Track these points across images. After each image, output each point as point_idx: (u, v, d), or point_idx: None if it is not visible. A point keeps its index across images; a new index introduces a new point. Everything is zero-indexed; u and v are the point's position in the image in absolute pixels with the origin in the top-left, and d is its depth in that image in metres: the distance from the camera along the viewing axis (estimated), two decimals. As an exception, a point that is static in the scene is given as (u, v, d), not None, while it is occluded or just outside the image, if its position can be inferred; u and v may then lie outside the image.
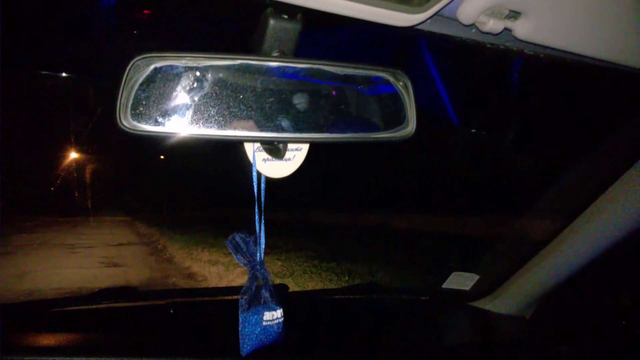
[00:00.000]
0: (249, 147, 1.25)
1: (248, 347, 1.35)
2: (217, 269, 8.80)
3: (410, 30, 1.04)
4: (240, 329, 1.34)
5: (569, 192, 2.29)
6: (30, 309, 2.13)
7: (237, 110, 1.05)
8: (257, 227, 1.32)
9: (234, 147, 1.27)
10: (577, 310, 2.56)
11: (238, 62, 1.05)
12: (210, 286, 7.72)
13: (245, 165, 1.29)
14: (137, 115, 1.00)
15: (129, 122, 1.00)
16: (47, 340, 1.72)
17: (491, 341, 2.27)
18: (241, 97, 1.06)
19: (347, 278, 8.33)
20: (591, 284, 2.51)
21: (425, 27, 1.09)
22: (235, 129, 1.06)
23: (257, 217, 1.31)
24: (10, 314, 1.91)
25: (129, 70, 0.98)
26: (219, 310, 2.17)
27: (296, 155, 1.28)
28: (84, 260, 9.95)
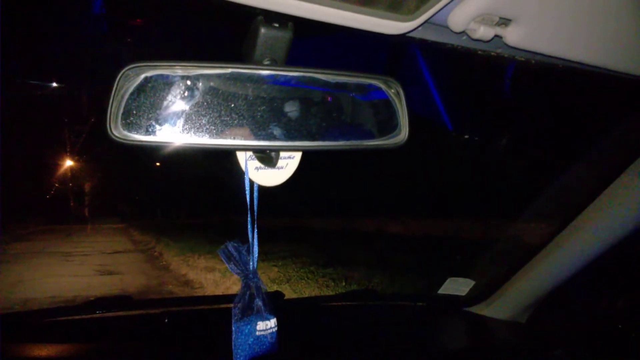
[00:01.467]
0: (241, 156, 1.25)
1: (241, 358, 1.34)
2: (213, 276, 8.77)
3: (402, 38, 1.05)
4: (233, 339, 1.33)
5: (562, 197, 2.30)
6: (24, 319, 2.11)
7: (228, 119, 1.05)
8: (250, 236, 1.32)
9: (228, 156, 1.27)
10: (573, 315, 2.56)
11: (229, 70, 1.04)
12: (207, 294, 7.69)
13: (239, 173, 1.28)
14: (127, 125, 0.99)
15: (119, 132, 0.99)
16: (42, 351, 1.70)
17: (487, 346, 2.27)
18: (233, 105, 1.05)
19: (343, 284, 8.32)
20: (586, 288, 2.51)
21: (416, 35, 1.09)
22: (227, 137, 1.06)
23: (249, 226, 1.31)
24: (4, 324, 1.90)
25: (119, 79, 0.97)
26: (213, 319, 2.16)
27: (289, 164, 1.28)
28: (79, 268, 9.90)
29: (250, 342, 1.33)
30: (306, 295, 6.93)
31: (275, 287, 7.46)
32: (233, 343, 1.33)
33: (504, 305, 2.35)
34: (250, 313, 1.34)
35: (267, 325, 1.35)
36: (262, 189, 1.32)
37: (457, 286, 2.51)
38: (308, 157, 1.29)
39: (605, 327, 2.58)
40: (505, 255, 2.61)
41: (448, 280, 2.53)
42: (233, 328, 1.32)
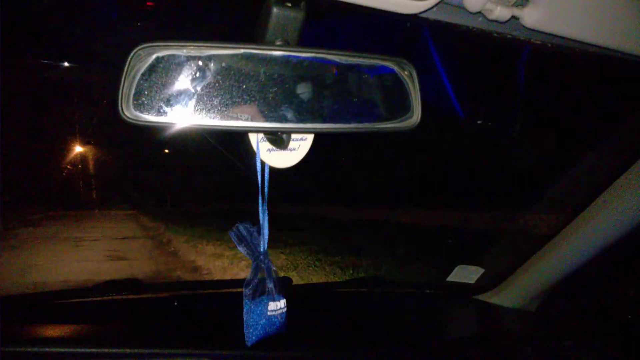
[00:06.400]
0: (253, 137, 1.24)
1: (253, 338, 1.35)
2: (221, 262, 8.81)
3: (416, 18, 1.03)
4: (245, 319, 1.33)
5: (574, 186, 2.27)
6: (35, 301, 2.14)
7: (240, 100, 1.04)
8: (261, 217, 1.31)
9: (240, 138, 1.26)
10: (582, 304, 2.55)
11: (241, 51, 1.04)
12: (215, 279, 7.74)
13: (250, 157, 1.28)
14: (139, 106, 0.99)
15: (130, 113, 0.99)
16: (52, 331, 1.72)
17: (496, 335, 2.27)
18: (244, 86, 1.04)
19: (351, 272, 8.33)
20: (596, 278, 2.49)
21: (431, 15, 1.07)
22: (238, 119, 1.05)
23: (260, 207, 1.30)
24: (15, 306, 1.92)
25: (131, 59, 0.96)
26: (222, 302, 2.18)
27: (301, 145, 1.27)
28: (89, 254, 9.98)
29: (262, 323, 1.34)
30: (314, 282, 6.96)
31: (282, 274, 7.46)
32: (245, 323, 1.33)
33: (514, 294, 2.35)
34: (261, 294, 1.35)
35: (277, 306, 1.36)
36: (272, 175, 1.31)
37: (466, 274, 2.50)
38: (318, 142, 1.28)
39: (615, 317, 2.57)
40: (515, 244, 2.60)
41: (457, 268, 2.52)
42: (245, 309, 1.33)
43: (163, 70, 0.99)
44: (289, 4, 1.02)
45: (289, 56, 1.07)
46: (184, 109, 1.02)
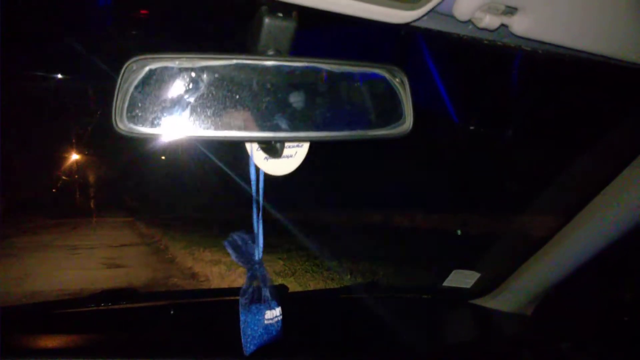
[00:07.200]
0: (248, 146, 1.25)
1: (251, 347, 1.35)
2: (219, 269, 8.78)
3: (407, 27, 1.04)
4: (242, 328, 1.34)
5: (569, 188, 2.29)
6: (31, 311, 2.13)
7: (233, 110, 1.05)
8: (255, 226, 1.32)
9: (236, 146, 1.27)
10: (579, 307, 2.56)
11: (233, 61, 1.04)
12: (213, 286, 7.72)
13: (246, 164, 1.28)
14: (133, 118, 0.99)
15: (124, 125, 0.99)
16: (49, 342, 1.72)
17: (492, 339, 2.27)
18: (237, 97, 1.05)
19: (348, 277, 8.32)
20: (593, 281, 2.50)
21: (421, 24, 1.08)
22: (231, 129, 1.06)
23: (255, 215, 1.31)
24: (11, 316, 1.91)
25: (124, 72, 0.97)
26: (220, 311, 2.17)
27: (297, 152, 1.28)
28: (86, 262, 9.94)
29: (260, 332, 1.34)
30: (311, 289, 6.95)
31: (280, 280, 7.46)
32: (242, 333, 1.34)
33: (510, 298, 2.35)
34: (257, 303, 1.35)
35: (273, 314, 1.36)
36: (268, 181, 1.32)
37: (462, 278, 2.50)
38: (315, 149, 1.29)
39: (611, 319, 2.58)
40: (511, 248, 2.60)
41: (453, 273, 2.52)
42: (241, 318, 1.33)
43: (156, 83, 1.00)
44: (281, 14, 1.03)
45: (281, 66, 1.08)
46: (178, 120, 1.02)
